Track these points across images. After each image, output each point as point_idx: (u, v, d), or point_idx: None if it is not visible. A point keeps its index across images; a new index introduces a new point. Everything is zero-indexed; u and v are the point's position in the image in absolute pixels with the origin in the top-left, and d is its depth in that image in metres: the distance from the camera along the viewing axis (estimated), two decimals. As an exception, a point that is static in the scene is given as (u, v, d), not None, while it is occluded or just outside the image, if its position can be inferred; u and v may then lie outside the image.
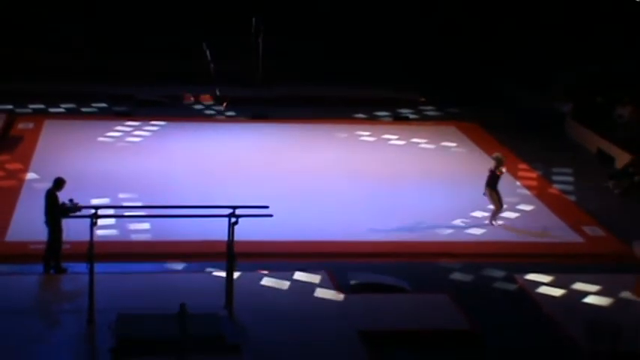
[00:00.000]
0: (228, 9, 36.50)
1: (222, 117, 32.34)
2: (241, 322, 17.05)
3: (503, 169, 22.60)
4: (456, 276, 19.99)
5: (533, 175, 26.49)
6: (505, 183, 22.63)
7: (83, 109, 32.28)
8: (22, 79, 34.00)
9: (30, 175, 24.69)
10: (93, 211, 17.10)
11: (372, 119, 32.73)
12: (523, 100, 34.48)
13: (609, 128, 29.59)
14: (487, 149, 28.57)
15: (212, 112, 32.90)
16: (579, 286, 19.41)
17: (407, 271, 19.85)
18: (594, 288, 19.30)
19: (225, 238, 17.35)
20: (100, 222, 17.38)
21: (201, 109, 33.03)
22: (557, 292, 19.16)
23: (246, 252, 18.86)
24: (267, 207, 17.69)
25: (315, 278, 19.07)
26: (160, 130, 29.79)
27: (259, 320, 17.19)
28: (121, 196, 23.32)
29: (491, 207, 22.64)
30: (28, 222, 20.80)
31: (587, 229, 22.61)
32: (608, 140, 28.85)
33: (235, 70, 34.94)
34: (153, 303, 17.49)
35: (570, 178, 26.86)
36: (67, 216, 18.18)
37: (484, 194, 22.54)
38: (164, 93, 33.87)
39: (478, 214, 23.10)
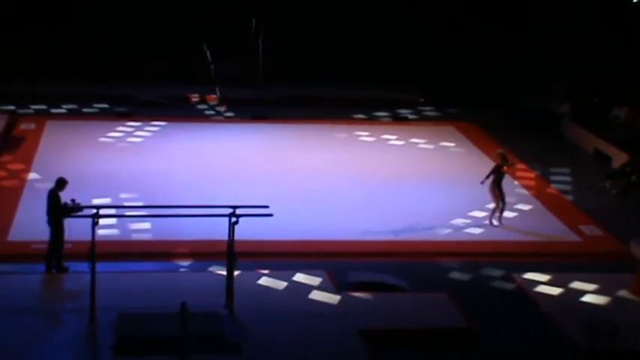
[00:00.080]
0: (228, 10, 36.55)
1: (223, 117, 32.40)
2: (241, 320, 17.12)
3: (513, 165, 22.63)
4: (455, 275, 20.07)
5: (532, 175, 26.57)
6: (504, 182, 22.67)
7: (84, 110, 32.35)
8: (24, 80, 34.07)
9: (32, 175, 24.77)
10: (94, 210, 17.18)
11: (371, 119, 32.81)
12: (521, 100, 34.53)
13: (606, 129, 29.70)
14: (486, 149, 28.73)
15: (212, 112, 32.96)
16: (577, 285, 19.49)
17: (406, 271, 19.92)
18: (592, 287, 19.40)
19: (226, 237, 17.43)
20: (102, 222, 17.41)
21: (201, 110, 33.06)
22: (555, 291, 19.25)
23: (247, 251, 18.94)
24: (267, 207, 17.77)
25: (314, 277, 19.14)
26: (161, 131, 29.87)
27: (259, 319, 17.26)
28: (122, 196, 23.39)
29: (490, 206, 22.73)
30: (30, 222, 20.87)
31: (584, 228, 22.72)
32: (605, 140, 28.97)
33: (235, 71, 35.00)
34: (154, 302, 17.55)
35: (568, 178, 26.96)
36: (69, 216, 18.24)
37: (482, 183, 22.61)
38: (164, 93, 33.93)
39: (477, 213, 23.21)
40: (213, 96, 33.70)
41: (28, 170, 25.21)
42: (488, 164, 24.28)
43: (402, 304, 18.25)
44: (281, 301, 18.12)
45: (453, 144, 29.62)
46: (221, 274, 18.25)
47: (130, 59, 35.94)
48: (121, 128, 29.74)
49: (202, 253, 20.28)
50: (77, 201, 18.25)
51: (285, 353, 16.27)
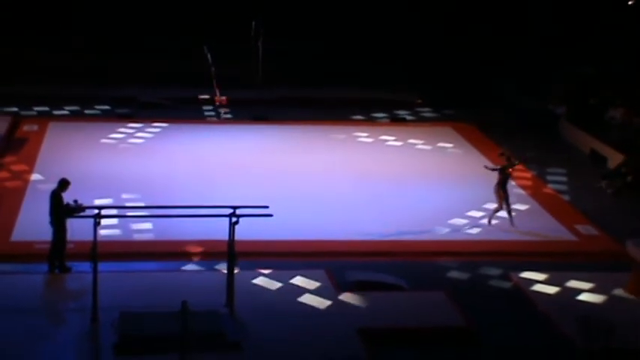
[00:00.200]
0: (228, 12, 36.66)
1: (223, 119, 32.50)
2: (242, 319, 17.22)
3: (517, 164, 22.81)
4: (453, 274, 20.18)
5: (528, 175, 26.65)
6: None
7: (86, 112, 32.48)
8: (25, 82, 34.17)
9: (35, 176, 24.89)
10: (96, 211, 17.29)
11: (369, 121, 32.94)
12: (521, 101, 34.63)
13: (602, 129, 29.82)
14: (483, 150, 28.90)
15: (213, 113, 33.06)
16: (573, 283, 19.63)
17: (405, 270, 20.03)
18: (588, 286, 19.54)
19: (226, 237, 17.55)
20: (104, 222, 17.53)
21: (201, 111, 33.11)
22: (552, 289, 19.38)
23: (247, 251, 19.06)
24: (267, 207, 17.89)
25: (314, 277, 19.23)
26: (162, 132, 30.00)
27: (259, 318, 17.37)
28: (124, 196, 23.52)
29: (488, 206, 22.84)
30: (33, 222, 20.98)
31: (580, 228, 22.85)
32: (601, 141, 29.10)
33: (236, 73, 35.13)
34: (155, 301, 17.65)
35: (564, 178, 27.09)
36: (72, 216, 18.37)
37: (485, 167, 22.88)
38: (165, 94, 34.04)
39: (474, 213, 23.35)
40: (223, 98, 33.81)
41: (30, 171, 25.34)
42: (486, 164, 24.45)
43: (401, 303, 18.36)
44: (281, 301, 18.23)
45: (450, 145, 29.75)
46: (221, 274, 18.38)
47: (130, 60, 36.06)
48: (122, 130, 29.87)
49: (203, 253, 20.40)
50: (79, 202, 18.41)
51: (285, 352, 16.36)
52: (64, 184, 19.30)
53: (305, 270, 19.58)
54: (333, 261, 20.36)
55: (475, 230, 22.45)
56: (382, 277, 19.47)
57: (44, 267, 19.20)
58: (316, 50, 36.83)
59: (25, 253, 20.07)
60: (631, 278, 19.38)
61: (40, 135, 28.94)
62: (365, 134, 30.65)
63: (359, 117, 33.17)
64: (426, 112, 34.37)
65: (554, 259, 21.12)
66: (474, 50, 37.24)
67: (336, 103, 34.29)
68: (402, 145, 29.66)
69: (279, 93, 34.83)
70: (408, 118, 33.52)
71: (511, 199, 22.60)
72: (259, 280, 19.07)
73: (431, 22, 38.06)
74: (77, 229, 18.77)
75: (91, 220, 17.07)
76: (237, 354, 16.18)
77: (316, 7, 37.59)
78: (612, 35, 34.89)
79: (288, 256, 20.58)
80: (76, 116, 31.98)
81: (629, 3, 34.19)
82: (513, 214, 22.47)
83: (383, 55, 37.33)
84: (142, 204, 22.75)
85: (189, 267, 20.03)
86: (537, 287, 19.50)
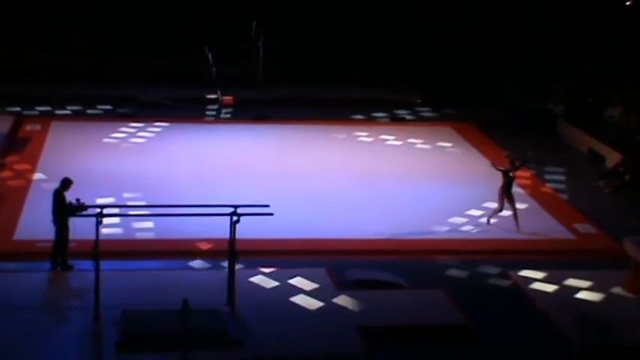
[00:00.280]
0: (228, 12, 36.74)
1: (224, 119, 32.62)
2: (243, 317, 17.31)
3: (520, 167, 22.83)
4: (452, 272, 20.26)
5: (527, 174, 26.62)
6: (500, 181, 22.93)
7: (88, 111, 32.57)
8: (27, 82, 34.24)
9: (37, 176, 24.98)
10: (98, 210, 17.40)
11: (369, 120, 33.04)
12: (518, 101, 34.71)
13: (600, 129, 29.91)
14: (482, 149, 29.00)
15: (214, 113, 33.17)
16: (571, 282, 19.74)
17: (404, 268, 20.12)
18: (586, 284, 19.64)
19: (227, 236, 17.65)
20: (105, 221, 17.67)
21: (202, 111, 33.21)
22: (550, 288, 19.49)
23: (248, 250, 19.12)
24: (267, 206, 17.97)
25: (314, 275, 19.32)
26: (163, 132, 30.09)
27: (260, 316, 17.46)
28: (126, 195, 23.63)
29: (486, 205, 22.91)
30: (36, 221, 21.08)
31: (579, 226, 22.95)
32: (598, 140, 29.20)
33: (236, 73, 35.23)
34: (156, 299, 17.76)
35: (562, 177, 27.17)
36: (74, 215, 18.45)
37: (492, 164, 23.02)
38: (166, 94, 34.11)
39: (473, 212, 23.46)
40: (230, 97, 33.90)
41: (33, 170, 25.43)
42: (485, 164, 24.52)
43: (401, 301, 18.45)
44: (281, 299, 18.32)
45: (449, 144, 29.84)
46: (222, 272, 18.43)
47: (130, 60, 36.13)
48: (124, 129, 29.96)
49: (204, 251, 20.50)
50: (82, 200, 18.49)
51: (285, 349, 16.44)
52: (66, 183, 19.40)
53: (305, 268, 19.68)
54: (334, 259, 20.46)
55: (474, 229, 22.53)
56: (382, 276, 19.56)
57: (47, 265, 19.30)
58: (316, 50, 36.90)
59: (28, 252, 20.16)
60: (628, 276, 19.47)
61: (42, 134, 29.04)
62: (365, 134, 30.74)
63: (359, 117, 33.27)
64: (426, 112, 34.45)
65: (553, 258, 21.23)
66: (473, 50, 37.29)
67: (336, 102, 34.36)
68: (401, 145, 29.75)
69: (279, 93, 34.91)
70: (408, 117, 33.61)
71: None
72: (260, 279, 19.17)
73: (431, 22, 38.10)
74: (79, 227, 18.85)
75: (93, 219, 17.17)
76: (238, 351, 16.22)
77: (316, 7, 37.66)
78: (612, 35, 34.93)
79: (288, 255, 20.65)
80: (78, 116, 32.07)
81: (627, 3, 34.26)
82: (510, 213, 22.42)
83: (383, 55, 37.39)
84: (144, 203, 22.85)
85: (191, 265, 20.09)
86: (536, 285, 19.59)
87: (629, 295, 19.23)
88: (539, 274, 20.05)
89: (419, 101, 35.23)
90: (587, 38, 35.44)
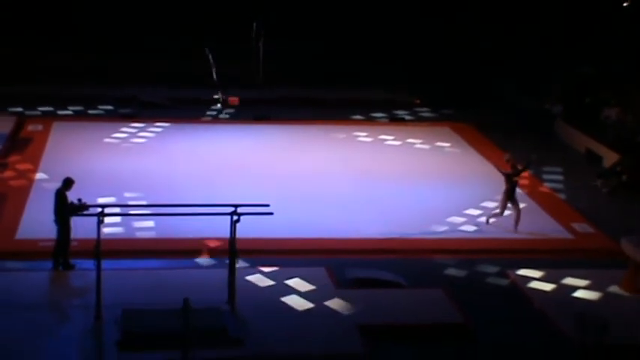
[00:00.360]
0: (229, 13, 36.81)
1: (225, 119, 32.69)
2: (243, 316, 17.39)
3: (523, 171, 22.80)
4: (451, 272, 20.33)
5: (525, 174, 26.66)
6: (499, 181, 22.92)
7: (90, 112, 32.63)
8: (27, 82, 34.32)
9: (39, 175, 25.05)
10: (100, 209, 17.43)
11: (369, 120, 33.12)
12: (516, 101, 34.76)
13: (597, 129, 29.97)
14: (480, 149, 29.08)
15: (214, 113, 33.24)
16: (569, 281, 19.82)
17: (403, 267, 20.20)
18: (584, 283, 19.73)
19: (228, 235, 17.74)
20: (107, 220, 17.76)
21: (203, 111, 33.26)
22: (548, 287, 19.57)
23: (248, 249, 19.24)
24: (267, 205, 18.01)
25: (314, 274, 19.41)
26: (164, 132, 30.16)
27: (260, 314, 17.53)
28: (127, 195, 23.70)
29: (485, 204, 22.96)
30: (38, 220, 21.15)
31: (576, 226, 23.03)
32: (596, 140, 29.28)
33: (237, 73, 35.31)
34: (157, 298, 17.80)
35: (560, 177, 27.24)
36: (75, 214, 18.50)
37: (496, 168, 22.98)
38: (166, 94, 34.18)
39: (472, 211, 23.55)
40: (235, 98, 33.99)
41: (35, 170, 25.49)
42: (484, 164, 24.58)
43: (400, 300, 18.53)
44: (281, 297, 18.38)
45: (448, 144, 29.92)
46: (223, 271, 18.45)
47: (130, 60, 36.20)
48: (125, 129, 30.03)
49: (205, 250, 20.56)
50: (83, 200, 18.54)
51: (285, 348, 16.51)
52: (68, 183, 19.45)
53: (305, 268, 19.75)
54: (333, 259, 20.52)
55: (472, 228, 22.60)
56: (381, 275, 19.62)
57: (48, 264, 19.36)
58: (316, 50, 36.96)
59: (30, 251, 20.22)
60: (626, 275, 19.55)
61: (44, 135, 29.10)
62: (364, 134, 30.82)
63: (358, 117, 33.34)
64: (425, 112, 34.52)
65: (551, 257, 21.32)
66: (473, 50, 37.34)
67: (336, 103, 34.44)
68: (400, 145, 29.84)
69: (279, 93, 34.98)
70: (407, 117, 33.70)
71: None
72: (260, 278, 19.23)
73: (430, 22, 38.15)
74: (81, 227, 18.92)
75: (95, 219, 17.22)
76: (239, 350, 16.28)
77: (316, 8, 37.71)
78: (612, 35, 34.98)
79: (288, 254, 20.71)
80: (79, 116, 32.12)
81: (624, 4, 34.33)
82: (508, 212, 22.44)
83: (382, 55, 37.46)
84: (145, 202, 22.88)
85: (191, 264, 20.15)
86: (534, 284, 19.67)
87: (627, 294, 19.32)
88: (538, 273, 20.12)
89: (418, 101, 35.27)
90: (587, 38, 35.48)
